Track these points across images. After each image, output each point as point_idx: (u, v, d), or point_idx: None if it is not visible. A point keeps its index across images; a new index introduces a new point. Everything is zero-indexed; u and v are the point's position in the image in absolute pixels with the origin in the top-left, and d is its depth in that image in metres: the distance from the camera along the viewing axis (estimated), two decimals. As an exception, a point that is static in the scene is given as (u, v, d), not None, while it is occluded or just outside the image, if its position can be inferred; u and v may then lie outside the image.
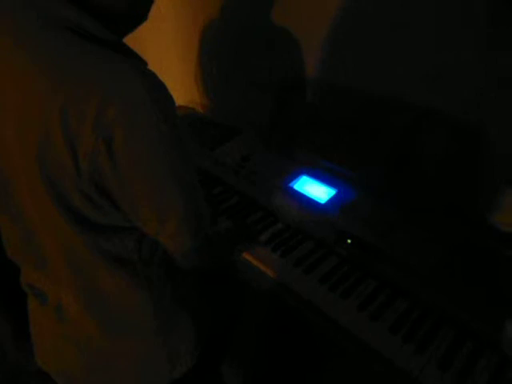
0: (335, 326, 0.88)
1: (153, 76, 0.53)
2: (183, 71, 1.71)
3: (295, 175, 1.24)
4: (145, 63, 0.55)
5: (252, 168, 1.29)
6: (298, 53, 1.28)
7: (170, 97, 0.54)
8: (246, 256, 1.02)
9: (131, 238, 0.65)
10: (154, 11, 0.63)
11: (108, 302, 0.70)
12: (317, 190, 1.18)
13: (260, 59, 1.41)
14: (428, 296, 0.90)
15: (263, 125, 1.41)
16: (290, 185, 1.21)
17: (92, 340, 0.73)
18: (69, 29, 0.51)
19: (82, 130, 0.49)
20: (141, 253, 0.68)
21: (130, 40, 0.63)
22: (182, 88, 1.75)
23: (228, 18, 1.43)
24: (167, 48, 1.69)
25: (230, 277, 1.08)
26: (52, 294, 0.72)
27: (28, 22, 0.52)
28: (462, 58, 0.94)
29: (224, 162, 1.34)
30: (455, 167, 1.05)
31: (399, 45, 1.03)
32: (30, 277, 0.76)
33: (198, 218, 0.65)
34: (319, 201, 1.14)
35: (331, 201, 1.13)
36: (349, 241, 1.03)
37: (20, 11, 0.53)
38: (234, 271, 1.04)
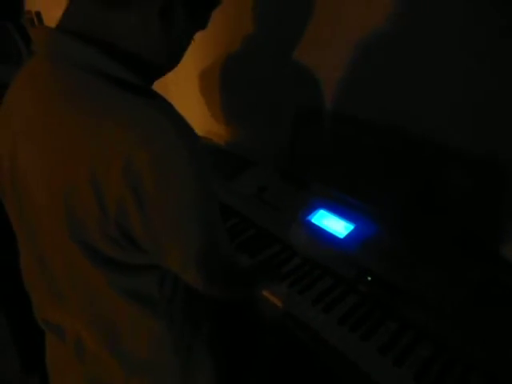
0: (355, 369, 0.84)
1: (180, 119, 0.52)
2: (201, 102, 1.74)
3: (313, 208, 1.22)
4: (170, 105, 0.55)
5: (269, 199, 1.28)
6: (316, 84, 1.29)
7: (197, 139, 0.54)
8: (265, 293, 0.99)
9: (153, 275, 0.64)
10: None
11: (128, 338, 0.69)
12: (335, 224, 1.15)
13: (278, 91, 1.42)
14: (454, 341, 0.85)
15: (280, 156, 1.40)
16: (308, 218, 1.19)
17: (113, 378, 0.71)
18: (99, 74, 0.51)
19: (110, 177, 0.49)
20: (162, 290, 0.67)
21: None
22: (199, 118, 1.77)
23: (246, 51, 1.45)
24: (185, 78, 1.72)
25: (246, 313, 1.05)
26: (70, 329, 0.71)
27: (67, 72, 0.52)
28: (487, 98, 0.93)
29: (240, 193, 1.33)
30: (478, 204, 1.02)
31: (423, 80, 1.03)
32: (45, 312, 0.74)
33: (221, 255, 0.65)
34: (338, 235, 1.11)
35: (350, 236, 1.11)
36: (369, 278, 1.00)
37: (53, 59, 0.54)
38: (251, 307, 1.01)
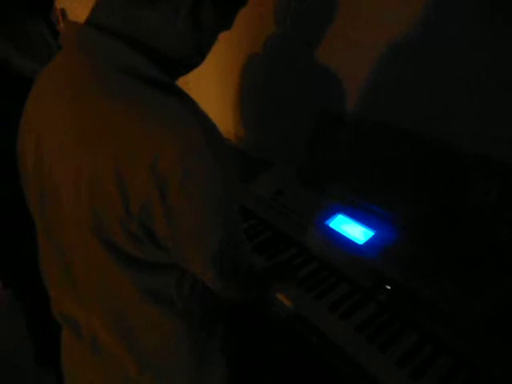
0: (371, 380, 0.82)
1: (207, 119, 0.52)
2: (220, 102, 1.73)
3: (331, 213, 1.20)
4: (195, 103, 0.54)
5: (286, 202, 1.26)
6: (339, 87, 1.27)
7: (222, 138, 0.53)
8: (279, 296, 0.98)
9: (172, 274, 0.64)
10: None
11: (145, 336, 0.69)
12: (354, 230, 1.13)
13: (299, 92, 1.41)
14: (474, 355, 0.82)
15: (299, 158, 1.38)
16: (326, 222, 1.17)
17: (129, 375, 0.71)
18: (131, 73, 0.51)
19: (136, 176, 0.48)
20: (181, 290, 0.66)
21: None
22: (218, 118, 1.77)
23: (267, 52, 1.44)
24: (206, 78, 1.72)
25: (261, 316, 1.03)
26: (86, 323, 0.71)
27: (95, 66, 0.52)
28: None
29: (258, 195, 1.31)
30: (504, 217, 0.99)
31: (450, 86, 1.00)
32: (63, 305, 0.74)
33: (240, 259, 0.66)
34: (357, 242, 1.09)
35: (369, 242, 1.08)
36: (388, 287, 0.97)
37: (82, 53, 0.54)
38: (266, 311, 1.00)
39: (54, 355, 0.88)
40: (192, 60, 0.60)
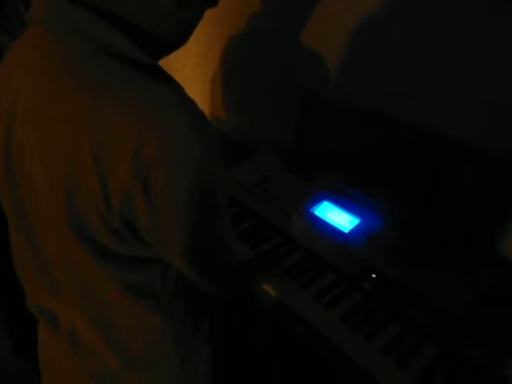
0: (357, 369, 0.82)
1: (194, 107, 0.48)
2: (202, 83, 1.68)
3: (316, 200, 1.18)
4: (182, 88, 0.50)
5: (271, 189, 1.24)
6: (324, 71, 1.24)
7: (210, 127, 0.50)
8: (264, 286, 0.96)
9: (156, 269, 0.62)
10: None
11: (127, 332, 0.67)
12: (339, 218, 1.12)
13: (284, 76, 1.37)
14: (459, 342, 0.83)
15: (284, 144, 1.36)
16: (311, 210, 1.15)
17: (109, 371, 0.69)
18: (109, 52, 0.46)
19: (117, 167, 0.44)
20: (165, 285, 0.64)
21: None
22: (201, 100, 1.71)
23: (252, 35, 1.39)
24: (186, 58, 1.65)
25: (246, 307, 1.02)
26: (64, 317, 0.68)
27: (69, 43, 0.47)
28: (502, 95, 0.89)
29: (242, 181, 1.28)
30: (490, 204, 0.99)
31: (437, 73, 0.99)
32: (39, 299, 0.71)
33: (225, 250, 0.63)
34: (342, 229, 1.08)
35: (355, 230, 1.07)
36: (373, 275, 0.97)
37: (54, 29, 0.49)
38: (251, 301, 0.98)
39: (32, 344, 0.84)
40: (176, 39, 0.56)
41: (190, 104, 0.48)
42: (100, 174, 0.45)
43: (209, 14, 0.60)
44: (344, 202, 1.16)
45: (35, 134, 0.50)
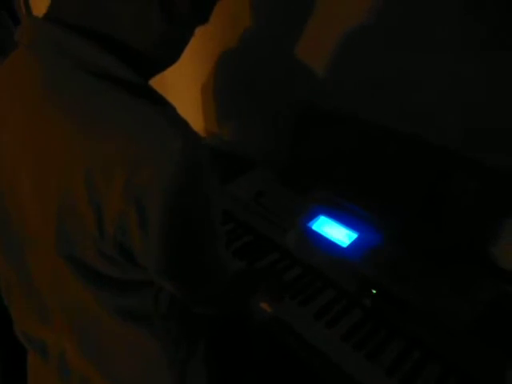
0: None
1: (185, 127, 0.46)
2: (197, 99, 1.67)
3: (313, 214, 1.16)
4: (174, 109, 0.49)
5: (267, 204, 1.22)
6: (319, 85, 1.23)
7: (206, 152, 0.48)
8: (262, 304, 0.94)
9: (148, 291, 0.60)
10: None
11: (119, 357, 0.64)
12: (337, 233, 1.10)
13: (278, 91, 1.36)
14: (464, 360, 0.81)
15: (279, 159, 1.34)
16: (308, 225, 1.13)
17: None
18: (98, 74, 0.45)
19: (110, 192, 0.43)
20: (157, 306, 0.62)
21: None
22: (195, 117, 1.70)
23: (245, 49, 1.39)
24: (182, 75, 1.65)
25: (242, 326, 0.99)
26: (53, 344, 0.66)
27: (55, 66, 0.46)
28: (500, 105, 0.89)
29: (237, 197, 1.27)
30: (489, 214, 0.98)
31: (431, 83, 0.98)
32: (26, 325, 0.69)
33: (220, 270, 0.62)
34: (340, 244, 1.06)
35: (353, 245, 1.06)
36: (374, 291, 0.95)
37: (41, 52, 0.48)
38: (247, 319, 0.96)
39: (21, 372, 0.81)
40: (167, 57, 0.55)
41: (182, 126, 0.46)
42: (92, 200, 0.44)
43: (201, 30, 0.59)
44: (341, 216, 1.15)
45: (26, 159, 0.48)
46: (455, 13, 0.89)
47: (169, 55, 0.55)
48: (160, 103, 0.48)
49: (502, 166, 0.90)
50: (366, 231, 1.09)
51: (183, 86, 1.67)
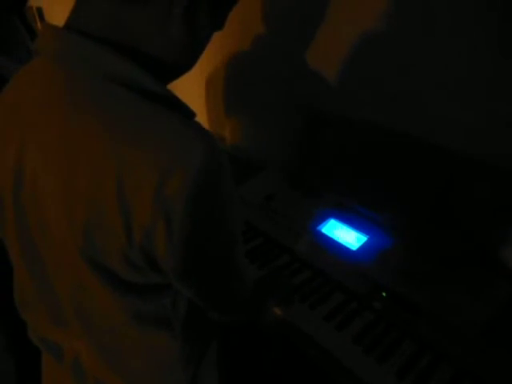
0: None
1: (214, 144, 0.47)
2: (206, 103, 1.69)
3: (323, 218, 1.17)
4: (194, 115, 0.50)
5: (277, 207, 1.23)
6: (329, 88, 1.24)
7: (228, 165, 0.49)
8: (273, 307, 0.94)
9: (167, 295, 0.61)
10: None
11: (135, 359, 0.65)
12: (347, 236, 1.10)
13: (288, 93, 1.37)
14: (475, 365, 0.80)
15: (289, 162, 1.35)
16: (318, 228, 1.14)
17: None
18: (123, 84, 0.46)
19: (139, 201, 0.44)
20: (176, 310, 0.63)
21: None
22: (204, 120, 1.72)
23: (252, 52, 1.40)
24: (191, 79, 1.66)
25: (253, 329, 1.00)
26: (68, 347, 0.67)
27: (85, 78, 0.47)
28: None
29: (247, 200, 1.28)
30: (501, 219, 0.97)
31: (443, 87, 0.98)
32: (42, 329, 0.70)
33: (240, 279, 0.63)
34: (350, 247, 1.06)
35: (363, 248, 1.06)
36: (384, 294, 0.95)
37: (65, 63, 0.48)
38: (258, 322, 0.96)
39: (35, 372, 0.83)
40: (184, 63, 0.56)
41: (207, 137, 0.46)
42: (123, 212, 0.45)
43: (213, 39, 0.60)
44: (351, 219, 1.15)
45: (51, 169, 0.48)
46: (456, 13, 0.90)
47: (187, 61, 0.56)
48: (182, 111, 0.49)
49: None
50: (376, 234, 1.09)
51: (190, 91, 1.69)
